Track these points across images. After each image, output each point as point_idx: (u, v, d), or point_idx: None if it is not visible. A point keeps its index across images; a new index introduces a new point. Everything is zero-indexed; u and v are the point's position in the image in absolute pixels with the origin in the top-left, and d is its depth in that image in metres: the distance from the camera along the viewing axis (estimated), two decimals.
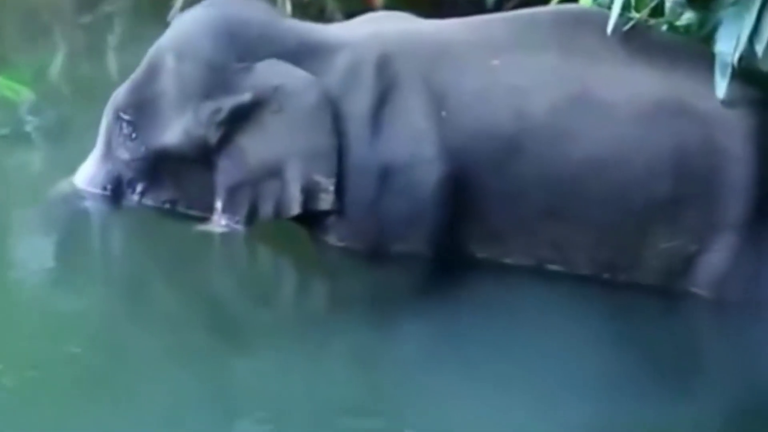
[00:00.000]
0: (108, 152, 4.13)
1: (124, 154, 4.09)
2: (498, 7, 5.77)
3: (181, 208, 4.09)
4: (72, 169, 4.28)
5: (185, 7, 5.59)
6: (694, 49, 3.73)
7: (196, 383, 3.39)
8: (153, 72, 4.04)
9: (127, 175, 4.11)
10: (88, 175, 4.18)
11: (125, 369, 3.45)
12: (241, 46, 3.92)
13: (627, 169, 3.68)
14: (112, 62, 6.05)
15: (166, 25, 4.33)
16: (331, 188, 3.81)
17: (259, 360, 3.51)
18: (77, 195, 4.17)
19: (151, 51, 4.08)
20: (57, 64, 6.12)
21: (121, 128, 4.08)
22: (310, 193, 3.84)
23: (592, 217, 3.71)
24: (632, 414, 3.29)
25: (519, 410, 3.29)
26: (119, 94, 4.11)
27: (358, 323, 3.71)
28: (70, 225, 4.18)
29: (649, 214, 3.68)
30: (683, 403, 3.36)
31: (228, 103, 3.89)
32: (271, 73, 3.87)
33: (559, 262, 3.79)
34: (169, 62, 4.00)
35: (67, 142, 4.92)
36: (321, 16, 6.28)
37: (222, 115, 3.90)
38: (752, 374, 3.56)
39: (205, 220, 4.01)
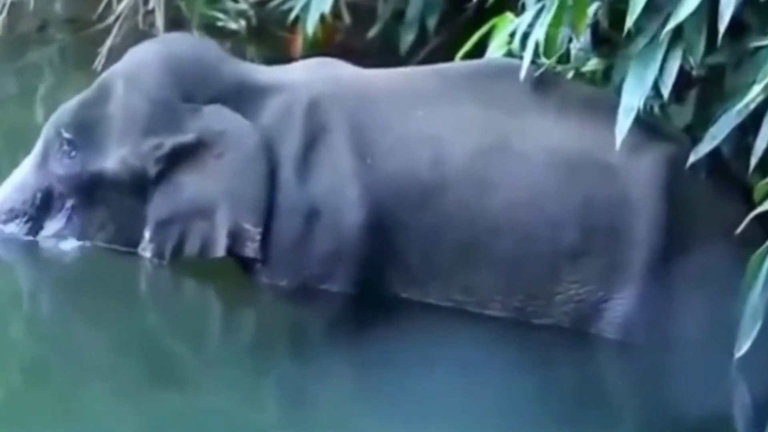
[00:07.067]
0: (42, 164, 4.22)
1: (59, 170, 4.18)
2: (411, 56, 5.96)
3: (100, 240, 4.16)
4: None
5: (111, 55, 5.66)
6: (609, 101, 3.84)
7: (116, 422, 3.44)
8: (101, 96, 4.16)
9: (58, 189, 4.19)
10: (13, 185, 4.24)
11: (37, 409, 3.49)
12: (186, 86, 4.07)
13: (536, 218, 3.82)
14: (38, 109, 6.07)
15: (93, 72, 4.41)
16: (258, 237, 3.93)
17: (181, 398, 3.57)
18: None
19: (103, 76, 4.23)
20: None
21: (60, 144, 4.18)
22: (236, 238, 3.95)
23: (502, 264, 3.84)
24: None
25: None
26: (64, 111, 4.23)
27: (280, 360, 3.83)
28: None
29: (557, 262, 3.82)
30: None
31: (171, 140, 4.02)
32: (217, 118, 4.02)
33: (472, 306, 3.90)
34: (119, 91, 4.13)
35: None
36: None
37: (163, 151, 4.02)
38: (644, 410, 3.69)
39: (125, 254, 4.09)
